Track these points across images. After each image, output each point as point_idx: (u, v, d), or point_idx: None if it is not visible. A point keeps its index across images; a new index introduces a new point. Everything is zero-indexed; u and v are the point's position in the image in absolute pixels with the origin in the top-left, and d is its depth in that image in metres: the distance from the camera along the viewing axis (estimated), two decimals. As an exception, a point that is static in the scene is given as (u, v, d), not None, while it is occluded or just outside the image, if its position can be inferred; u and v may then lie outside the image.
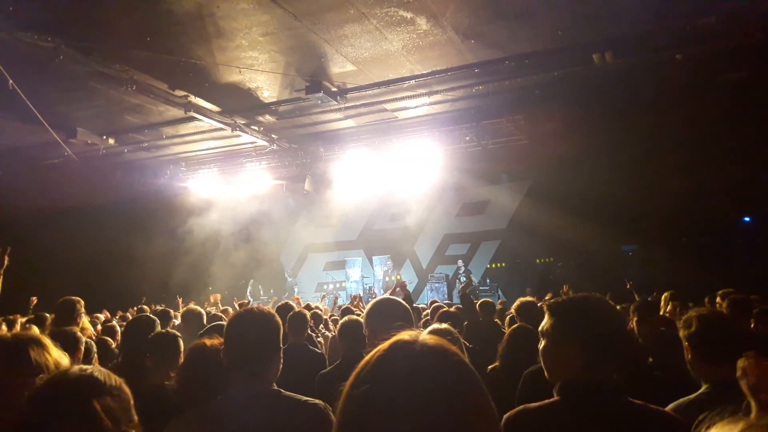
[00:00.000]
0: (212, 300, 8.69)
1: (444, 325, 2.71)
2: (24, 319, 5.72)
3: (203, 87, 7.75)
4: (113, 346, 4.79)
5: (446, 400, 0.78)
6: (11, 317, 5.84)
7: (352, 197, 12.73)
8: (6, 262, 4.47)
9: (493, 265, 14.58)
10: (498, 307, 7.12)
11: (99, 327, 5.88)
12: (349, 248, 16.36)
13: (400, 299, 2.50)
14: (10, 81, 5.97)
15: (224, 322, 3.37)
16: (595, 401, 1.55)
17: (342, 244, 16.50)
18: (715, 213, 10.96)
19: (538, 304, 4.29)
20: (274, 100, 8.54)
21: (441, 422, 0.77)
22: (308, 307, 6.82)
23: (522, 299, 4.45)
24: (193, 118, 8.60)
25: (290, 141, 10.86)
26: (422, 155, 10.24)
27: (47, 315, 5.06)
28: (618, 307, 3.99)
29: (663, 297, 6.05)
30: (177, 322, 5.40)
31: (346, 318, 3.56)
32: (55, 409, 1.06)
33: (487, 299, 5.79)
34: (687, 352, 2.14)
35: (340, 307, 8.32)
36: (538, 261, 13.64)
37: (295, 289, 15.36)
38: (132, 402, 1.19)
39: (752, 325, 3.84)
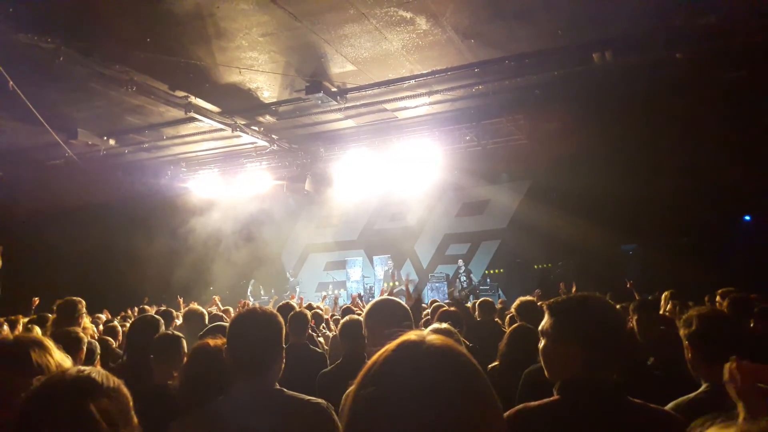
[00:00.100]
0: (214, 301, 8.70)
1: (444, 325, 2.72)
2: (26, 320, 5.73)
3: (203, 88, 7.75)
4: (114, 345, 4.81)
5: (454, 401, 0.79)
6: (13, 318, 5.84)
7: (353, 197, 12.73)
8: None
9: (492, 271, 14.59)
10: (498, 306, 7.13)
11: (101, 327, 5.89)
12: (350, 248, 16.36)
13: (398, 300, 2.51)
14: (11, 82, 5.98)
15: (225, 323, 3.39)
16: (595, 400, 1.55)
17: (342, 244, 16.51)
18: (715, 213, 10.96)
19: (538, 304, 4.30)
20: (274, 100, 8.55)
21: (449, 423, 0.77)
22: (310, 306, 6.84)
23: (522, 298, 4.46)
24: (193, 119, 8.61)
25: (290, 141, 10.87)
26: (422, 155, 10.24)
27: (49, 315, 5.07)
28: (618, 306, 3.99)
29: (663, 296, 6.05)
30: (179, 322, 5.41)
31: (347, 318, 3.58)
32: (50, 411, 1.06)
33: (487, 298, 5.80)
34: (687, 351, 2.15)
35: (341, 307, 8.32)
36: (536, 267, 13.63)
37: (297, 289, 15.38)
38: (131, 404, 1.17)
39: (752, 324, 3.85)
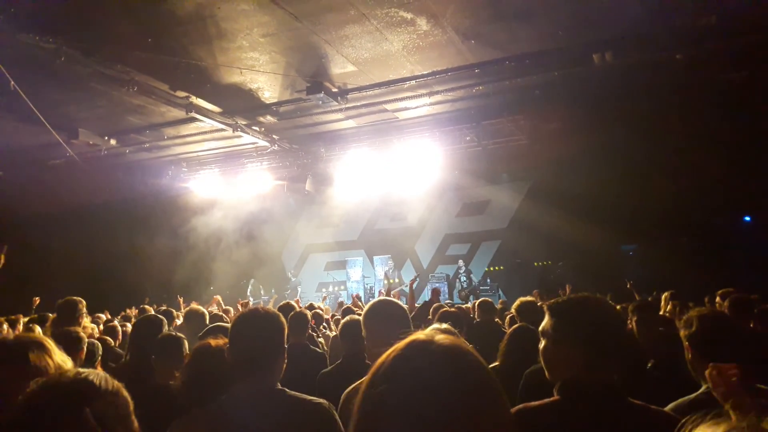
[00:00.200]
0: (215, 301, 8.71)
1: (444, 325, 2.72)
2: (26, 319, 5.74)
3: (204, 88, 7.76)
4: (113, 345, 4.82)
5: (463, 400, 0.80)
6: (13, 317, 5.86)
7: (353, 197, 12.74)
8: (2, 260, 4.46)
9: (492, 268, 14.60)
10: (498, 306, 7.13)
11: (101, 327, 5.90)
12: (350, 248, 16.37)
13: (396, 301, 2.52)
14: (12, 82, 5.99)
15: (225, 323, 3.40)
16: (595, 401, 1.56)
17: (343, 244, 16.52)
18: (715, 213, 10.96)
19: (538, 304, 4.31)
20: (275, 100, 8.55)
21: (458, 421, 0.78)
22: (311, 306, 6.85)
23: (522, 299, 4.46)
24: (194, 119, 8.62)
25: (291, 141, 10.87)
26: (423, 155, 10.25)
27: (49, 315, 5.08)
28: (618, 307, 4.00)
29: (663, 297, 6.06)
30: (179, 322, 5.42)
31: (347, 318, 3.59)
32: (45, 414, 1.04)
33: (486, 299, 5.80)
34: (687, 351, 2.15)
35: (341, 305, 8.34)
36: (536, 264, 13.65)
37: (299, 289, 15.40)
38: (131, 408, 1.15)
39: (752, 325, 3.85)
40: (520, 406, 1.65)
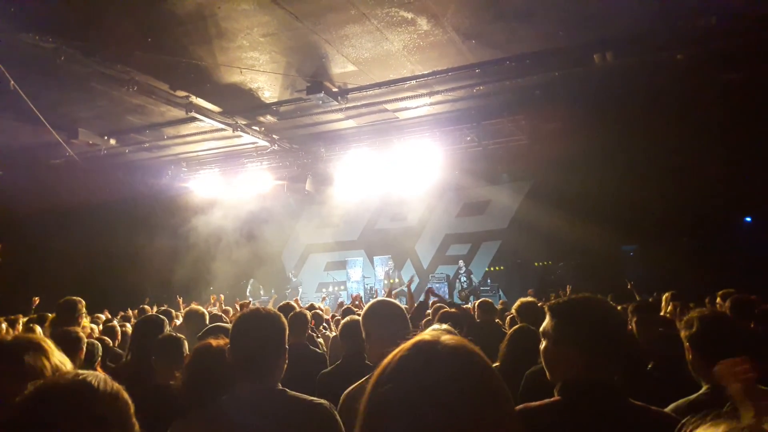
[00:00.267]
0: (213, 300, 8.70)
1: (444, 326, 2.72)
2: (25, 319, 5.74)
3: (204, 87, 7.76)
4: (112, 345, 4.82)
5: (469, 399, 0.80)
6: (13, 317, 5.86)
7: (353, 197, 12.74)
8: None
9: (493, 268, 14.60)
10: (499, 307, 7.13)
11: (101, 327, 5.89)
12: (350, 248, 16.37)
13: (395, 301, 2.52)
14: (12, 82, 5.99)
15: (224, 323, 3.40)
16: (596, 402, 1.56)
17: (343, 244, 16.52)
18: (715, 213, 10.96)
19: (539, 304, 4.30)
20: (275, 100, 8.55)
21: (464, 421, 0.78)
22: (311, 307, 6.84)
23: (523, 299, 4.45)
24: (194, 119, 8.61)
25: (291, 141, 10.87)
26: (423, 155, 10.25)
27: (49, 315, 5.08)
28: (618, 308, 3.99)
29: (664, 297, 6.05)
30: (179, 322, 5.41)
31: (347, 318, 3.59)
32: (41, 416, 1.01)
33: (486, 299, 5.78)
34: (688, 352, 2.15)
35: (341, 305, 8.33)
36: (536, 264, 13.65)
37: (300, 290, 15.40)
38: (132, 410, 1.12)
39: (753, 326, 3.85)
40: (521, 406, 1.64)
